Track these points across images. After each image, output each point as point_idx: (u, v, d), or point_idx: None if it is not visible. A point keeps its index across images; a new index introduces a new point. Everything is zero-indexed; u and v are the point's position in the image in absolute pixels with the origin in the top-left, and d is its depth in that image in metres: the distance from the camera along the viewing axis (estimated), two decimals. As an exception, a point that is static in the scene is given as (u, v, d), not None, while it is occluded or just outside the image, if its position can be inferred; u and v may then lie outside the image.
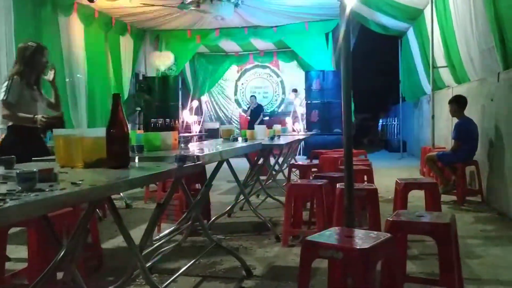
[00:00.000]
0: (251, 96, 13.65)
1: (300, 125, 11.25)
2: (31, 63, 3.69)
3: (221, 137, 5.39)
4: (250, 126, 10.97)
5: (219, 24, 11.16)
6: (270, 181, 6.05)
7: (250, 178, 5.23)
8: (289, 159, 7.51)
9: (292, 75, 14.30)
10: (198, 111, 14.16)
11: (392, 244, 2.03)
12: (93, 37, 9.35)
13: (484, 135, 5.60)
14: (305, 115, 11.95)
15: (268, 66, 14.93)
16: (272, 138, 5.30)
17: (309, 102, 11.85)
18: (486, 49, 5.45)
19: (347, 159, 2.50)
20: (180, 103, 12.09)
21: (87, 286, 2.19)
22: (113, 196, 2.44)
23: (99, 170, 2.00)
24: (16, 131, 3.60)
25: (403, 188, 3.81)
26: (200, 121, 13.80)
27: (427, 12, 8.11)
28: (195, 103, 13.34)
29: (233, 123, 14.57)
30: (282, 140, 5.52)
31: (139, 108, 11.49)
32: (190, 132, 11.60)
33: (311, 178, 5.03)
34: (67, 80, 8.35)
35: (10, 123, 3.65)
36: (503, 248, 3.64)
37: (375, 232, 2.11)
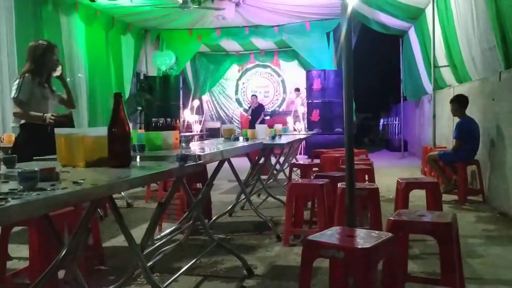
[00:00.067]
0: (252, 95, 13.66)
1: (301, 125, 11.25)
2: (42, 61, 3.73)
3: (222, 137, 5.38)
4: (251, 125, 10.96)
5: (220, 24, 11.16)
6: (271, 180, 6.04)
7: (251, 177, 5.22)
8: (290, 158, 7.51)
9: (293, 75, 14.30)
10: (199, 110, 14.16)
11: (393, 243, 2.03)
12: (94, 37, 9.36)
13: (485, 134, 5.60)
14: (306, 115, 11.95)
15: (269, 65, 14.93)
16: (273, 138, 5.30)
17: (310, 101, 11.84)
18: (487, 48, 5.44)
19: (348, 159, 2.50)
20: (181, 103, 12.09)
21: (88, 285, 2.19)
22: (114, 196, 2.44)
23: (100, 169, 2.00)
24: (28, 130, 3.62)
25: (404, 188, 3.81)
26: (201, 121, 13.81)
27: (429, 11, 8.10)
28: (196, 103, 13.36)
29: (234, 123, 14.57)
30: (283, 140, 5.52)
31: (140, 108, 11.48)
32: (191, 132, 11.61)
33: (312, 177, 5.03)
34: (68, 79, 8.33)
35: (22, 122, 3.70)
36: (504, 248, 3.64)
37: (377, 232, 2.11)
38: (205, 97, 15.12)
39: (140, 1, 9.10)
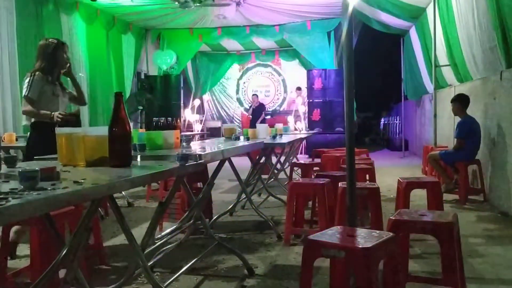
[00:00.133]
0: (253, 94, 13.65)
1: (302, 124, 11.25)
2: (53, 59, 3.76)
3: (223, 136, 5.38)
4: (252, 125, 10.96)
5: (221, 23, 11.15)
6: (272, 180, 6.04)
7: (252, 177, 5.23)
8: (291, 158, 7.51)
9: (294, 74, 14.29)
10: (200, 110, 14.16)
11: (394, 243, 2.03)
12: (95, 36, 9.37)
13: (486, 134, 5.59)
14: (307, 114, 11.94)
15: (270, 64, 14.92)
16: (274, 137, 5.29)
17: (311, 100, 11.84)
18: (488, 48, 5.44)
19: (349, 158, 2.50)
20: (182, 102, 12.09)
21: (89, 285, 2.19)
22: (115, 195, 2.44)
23: (101, 169, 2.00)
24: (39, 129, 3.64)
25: (405, 187, 3.81)
26: (202, 120, 13.80)
27: (430, 11, 8.09)
28: (197, 102, 13.34)
29: (235, 122, 14.57)
30: (284, 139, 5.52)
31: (141, 107, 11.49)
32: (192, 131, 11.60)
33: (313, 177, 5.03)
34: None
35: (32, 121, 3.72)
36: (505, 247, 3.64)
37: (377, 231, 2.11)
38: (206, 97, 15.11)
39: (141, 1, 9.10)
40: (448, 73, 7.73)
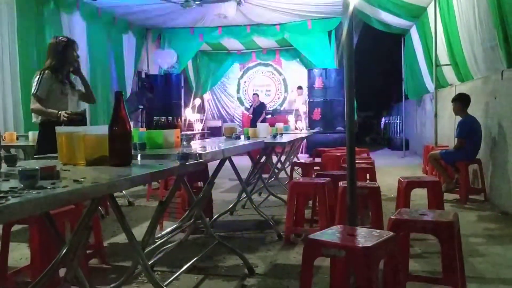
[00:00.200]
0: (254, 94, 13.65)
1: (303, 123, 11.25)
2: (63, 57, 3.78)
3: (223, 135, 5.38)
4: (253, 124, 10.96)
5: (221, 22, 11.15)
6: (273, 179, 6.04)
7: (252, 176, 5.22)
8: (292, 157, 7.51)
9: (295, 73, 14.28)
10: (201, 109, 14.16)
11: (394, 242, 2.02)
12: (96, 35, 9.36)
13: (487, 133, 5.59)
14: (307, 113, 11.94)
15: (270, 64, 14.91)
16: (274, 136, 5.29)
17: (311, 100, 11.84)
18: (489, 47, 5.43)
19: (349, 157, 2.50)
20: (182, 101, 12.09)
21: (89, 284, 2.19)
22: (115, 194, 2.44)
23: (101, 167, 2.00)
24: (46, 127, 3.65)
25: (406, 186, 3.80)
26: (202, 119, 13.81)
27: (430, 10, 8.09)
28: (197, 101, 13.35)
29: (235, 121, 14.55)
30: (285, 138, 5.52)
31: (141, 106, 11.50)
32: (192, 130, 11.61)
33: (313, 176, 5.02)
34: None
35: (40, 119, 3.75)
36: (506, 247, 3.63)
37: (378, 231, 2.10)
38: (207, 96, 15.12)
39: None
40: (449, 73, 7.73)
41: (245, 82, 15.25)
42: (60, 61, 3.77)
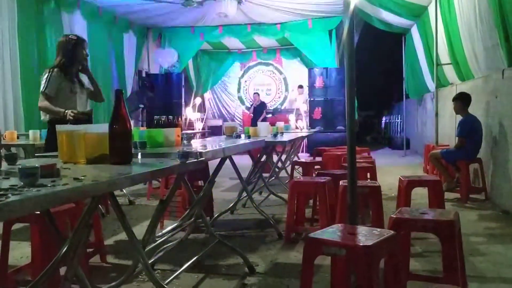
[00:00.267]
0: (254, 93, 13.64)
1: (303, 123, 11.25)
2: (73, 55, 3.80)
3: (224, 134, 5.38)
4: (253, 123, 10.96)
5: (222, 21, 11.14)
6: (273, 178, 6.04)
7: (253, 175, 5.22)
8: (292, 156, 7.50)
9: (295, 72, 14.27)
10: (201, 108, 14.16)
11: (395, 241, 2.02)
12: (96, 34, 9.36)
13: (488, 132, 5.58)
14: (308, 112, 11.94)
15: (271, 63, 14.90)
16: (275, 135, 5.29)
17: (312, 99, 11.83)
18: (490, 46, 5.42)
19: (350, 157, 2.50)
20: (183, 100, 12.09)
21: (89, 282, 2.19)
22: (116, 193, 2.44)
23: (101, 166, 2.00)
24: (53, 126, 3.66)
25: (407, 186, 3.80)
26: (203, 118, 13.81)
27: (431, 9, 8.07)
28: (198, 100, 13.35)
29: (236, 121, 14.54)
30: (285, 137, 5.52)
31: (142, 105, 11.49)
32: (193, 129, 11.61)
33: (314, 175, 5.02)
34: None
35: (49, 117, 3.77)
36: (507, 246, 3.63)
37: (379, 229, 2.10)
38: (207, 95, 15.11)
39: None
40: (449, 72, 7.72)
41: (245, 81, 15.24)
42: (70, 59, 3.79)
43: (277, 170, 6.21)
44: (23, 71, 7.08)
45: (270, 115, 13.35)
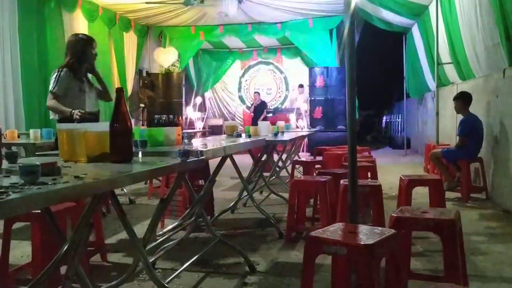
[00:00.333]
0: (255, 92, 13.64)
1: (304, 122, 11.24)
2: (82, 55, 3.81)
3: (224, 134, 5.38)
4: (254, 122, 10.95)
5: (222, 21, 11.14)
6: (274, 177, 6.04)
7: (253, 174, 5.22)
8: (293, 155, 7.50)
9: (296, 72, 14.27)
10: (202, 107, 14.16)
11: (396, 240, 2.02)
12: (97, 33, 9.33)
13: (489, 131, 5.57)
14: (308, 112, 11.94)
15: (271, 62, 14.90)
16: (275, 135, 5.29)
17: (312, 98, 11.83)
18: (491, 45, 5.42)
19: (351, 156, 2.50)
20: (183, 100, 12.09)
21: (90, 281, 2.19)
22: (116, 192, 2.44)
23: (102, 164, 2.00)
24: None
25: (407, 185, 3.79)
26: (203, 118, 13.81)
27: (432, 8, 8.07)
28: (198, 100, 13.35)
29: (236, 120, 14.54)
30: (286, 137, 5.51)
31: (142, 105, 11.50)
32: (193, 129, 11.62)
33: (314, 174, 5.02)
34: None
35: (58, 116, 3.76)
36: (507, 245, 3.62)
37: (380, 228, 2.10)
38: (208, 94, 15.11)
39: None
40: (450, 71, 7.71)
41: (246, 80, 15.24)
42: (79, 59, 3.79)
43: (277, 169, 6.21)
44: (23, 70, 7.08)
45: (270, 115, 13.34)
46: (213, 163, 3.35)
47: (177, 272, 2.92)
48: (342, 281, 2.34)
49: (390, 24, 10.04)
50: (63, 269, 2.13)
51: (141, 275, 2.94)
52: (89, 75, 4.06)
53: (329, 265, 2.49)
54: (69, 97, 3.72)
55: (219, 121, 14.28)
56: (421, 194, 4.82)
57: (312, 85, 11.79)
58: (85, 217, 2.02)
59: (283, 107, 14.72)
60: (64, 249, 2.04)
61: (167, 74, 12.01)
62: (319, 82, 11.68)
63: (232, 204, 4.69)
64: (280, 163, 6.38)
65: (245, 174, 4.55)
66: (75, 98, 3.75)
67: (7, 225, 2.76)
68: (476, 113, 5.68)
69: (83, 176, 1.55)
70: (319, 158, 6.30)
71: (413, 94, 11.48)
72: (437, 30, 7.73)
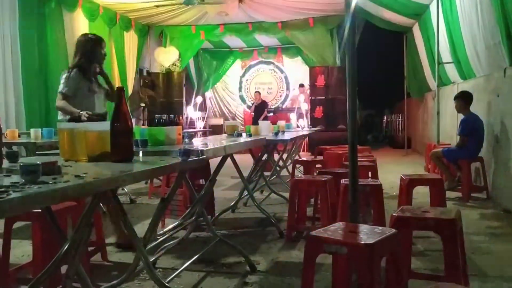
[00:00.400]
0: (255, 92, 13.64)
1: (305, 121, 11.24)
2: (91, 55, 3.81)
3: (225, 133, 5.38)
4: (254, 122, 10.95)
5: (223, 20, 11.15)
6: (274, 177, 6.04)
7: (254, 174, 5.22)
8: (293, 155, 7.50)
9: (297, 71, 14.27)
10: (202, 107, 14.17)
11: (397, 239, 2.01)
12: (98, 33, 9.33)
13: (489, 131, 5.57)
14: (309, 111, 11.94)
15: (272, 62, 14.90)
16: (276, 134, 5.29)
17: (313, 98, 11.83)
18: (492, 45, 5.41)
19: (351, 155, 2.50)
20: (184, 99, 12.10)
21: (91, 280, 2.19)
22: (117, 192, 2.44)
23: (102, 163, 2.00)
24: None
25: (408, 184, 3.79)
26: (204, 117, 13.81)
27: (433, 8, 8.07)
28: (199, 99, 13.35)
29: (237, 119, 14.56)
30: (286, 136, 5.51)
31: (143, 104, 11.50)
32: (194, 128, 11.62)
33: (315, 174, 5.02)
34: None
35: (66, 118, 3.76)
36: (508, 245, 3.62)
37: (380, 228, 2.09)
38: (208, 94, 15.12)
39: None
40: (451, 70, 7.71)
41: (246, 80, 15.24)
42: (88, 59, 3.80)
43: (278, 168, 6.21)
44: (24, 69, 7.08)
45: (271, 114, 13.35)
46: (213, 162, 3.35)
47: (177, 272, 2.92)
48: (342, 281, 2.34)
49: (390, 23, 10.05)
50: (63, 269, 2.14)
51: (141, 275, 2.94)
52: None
53: (330, 264, 2.48)
54: (79, 98, 3.72)
55: (219, 121, 14.28)
56: (421, 193, 4.82)
57: (312, 85, 11.79)
58: (86, 217, 2.02)
59: (283, 106, 14.73)
60: (65, 248, 2.04)
61: (168, 73, 12.02)
62: (319, 81, 11.69)
63: (232, 203, 4.69)
64: (280, 163, 6.38)
65: (245, 174, 4.55)
66: (84, 98, 3.76)
67: (8, 224, 2.76)
68: (477, 112, 5.67)
69: (84, 175, 1.55)
70: (319, 157, 6.30)
71: (413, 94, 11.48)
72: (437, 29, 7.72)
